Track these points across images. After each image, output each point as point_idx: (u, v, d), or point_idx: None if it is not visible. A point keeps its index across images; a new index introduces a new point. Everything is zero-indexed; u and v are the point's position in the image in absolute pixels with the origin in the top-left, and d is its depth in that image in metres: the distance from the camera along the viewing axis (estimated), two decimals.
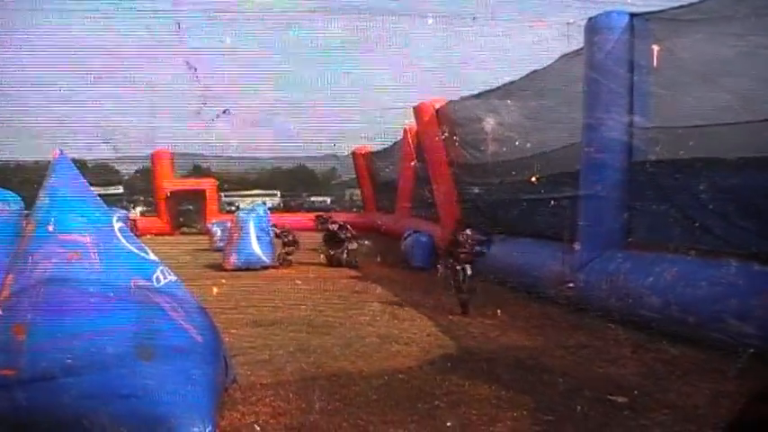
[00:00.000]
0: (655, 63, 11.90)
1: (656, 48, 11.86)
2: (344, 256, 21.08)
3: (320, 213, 24.91)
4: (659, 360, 8.95)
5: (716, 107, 10.53)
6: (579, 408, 7.06)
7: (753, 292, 8.82)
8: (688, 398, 7.32)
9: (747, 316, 8.66)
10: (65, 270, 5.71)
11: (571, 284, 12.33)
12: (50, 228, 5.90)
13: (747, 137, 9.94)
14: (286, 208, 40.37)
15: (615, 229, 12.40)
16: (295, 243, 20.98)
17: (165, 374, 5.45)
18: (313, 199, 48.48)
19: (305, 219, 27.13)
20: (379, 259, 20.56)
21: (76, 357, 5.26)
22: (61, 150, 6.60)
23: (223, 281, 16.31)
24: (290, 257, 20.68)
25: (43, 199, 6.17)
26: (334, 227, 21.70)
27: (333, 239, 21.51)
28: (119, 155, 33.07)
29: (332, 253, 21.33)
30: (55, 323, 5.40)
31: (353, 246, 21.46)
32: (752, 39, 9.91)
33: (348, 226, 22.08)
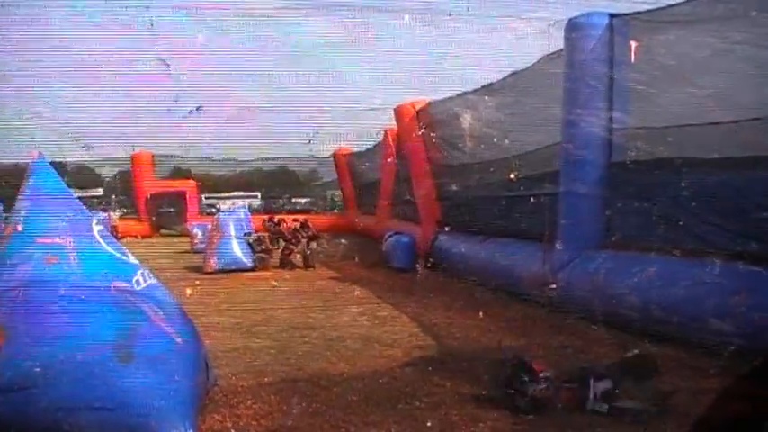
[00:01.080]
0: (634, 63, 11.97)
1: (635, 48, 11.93)
2: (305, 255, 20.99)
3: (271, 215, 24.74)
4: None
5: (695, 107, 10.62)
6: (562, 407, 7.09)
7: (733, 292, 8.88)
8: (668, 396, 7.36)
9: (727, 314, 8.72)
10: (44, 273, 5.69)
11: (554, 286, 12.34)
12: (29, 231, 5.87)
13: (727, 137, 10.01)
14: (267, 210, 40.21)
15: (596, 228, 12.44)
16: (268, 252, 20.76)
17: (145, 377, 5.44)
18: (294, 200, 48.30)
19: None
20: (356, 260, 20.54)
21: (57, 360, 5.23)
22: (40, 153, 6.57)
23: (197, 281, 16.22)
24: (264, 260, 20.45)
25: (22, 202, 6.14)
26: (296, 225, 21.54)
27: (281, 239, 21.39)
28: (98, 157, 32.82)
29: (287, 253, 21.13)
30: (34, 327, 5.37)
31: (314, 246, 21.34)
32: (730, 40, 10.00)
33: (309, 224, 21.94)
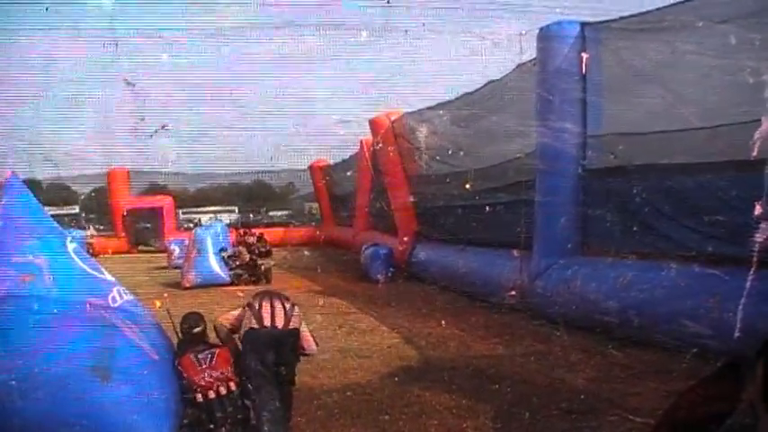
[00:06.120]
0: (605, 71, 12.08)
1: (606, 56, 12.04)
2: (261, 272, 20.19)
3: (244, 230, 24.27)
4: (617, 364, 9.06)
5: (666, 113, 10.73)
6: (540, 414, 7.13)
7: (708, 294, 8.96)
8: (646, 400, 7.43)
9: (702, 317, 8.80)
10: (19, 292, 5.64)
11: (513, 293, 12.43)
12: (3, 250, 5.83)
13: (699, 142, 10.12)
14: (245, 223, 40.10)
15: (572, 236, 12.52)
16: (244, 266, 20.37)
17: (121, 395, 5.42)
18: (272, 213, 48.10)
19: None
20: (318, 270, 20.47)
21: (31, 379, 5.20)
22: (13, 171, 6.53)
23: (165, 295, 16.06)
24: (241, 276, 20.16)
25: None
26: (252, 239, 21.14)
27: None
28: (73, 174, 32.59)
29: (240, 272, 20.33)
30: (9, 345, 5.34)
31: (269, 262, 20.68)
32: (700, 47, 10.11)
33: (265, 238, 21.50)
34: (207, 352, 5.94)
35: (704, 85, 10.23)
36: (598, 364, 9.08)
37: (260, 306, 6.40)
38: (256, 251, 20.56)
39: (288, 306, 6.48)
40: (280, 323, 6.33)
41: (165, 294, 15.38)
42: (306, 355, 6.59)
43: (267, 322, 6.29)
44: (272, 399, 6.18)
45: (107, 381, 5.42)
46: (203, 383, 5.77)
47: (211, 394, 5.77)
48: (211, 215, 42.11)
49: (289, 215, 47.28)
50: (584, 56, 11.92)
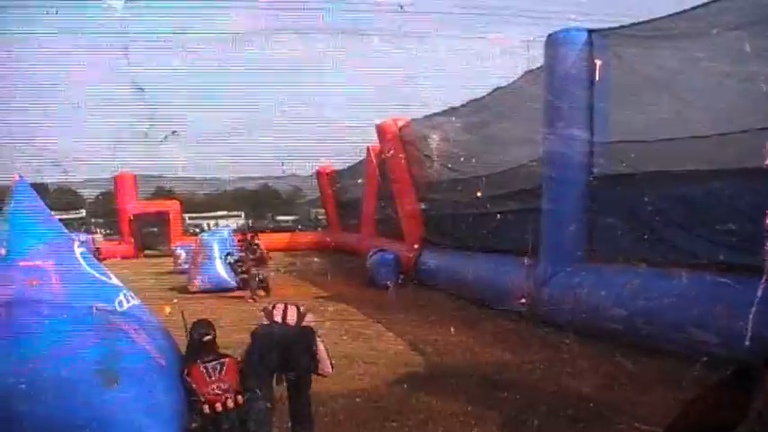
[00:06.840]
0: (613, 77, 12.05)
1: (614, 62, 12.02)
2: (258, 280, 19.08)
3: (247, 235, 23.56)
4: (625, 372, 9.00)
5: (676, 121, 10.70)
6: (547, 421, 7.09)
7: (716, 302, 8.92)
8: (654, 408, 7.38)
9: (711, 325, 8.76)
10: (26, 295, 5.63)
11: (523, 300, 12.40)
12: (10, 254, 5.82)
13: (709, 150, 10.08)
14: (252, 229, 40.07)
15: (579, 243, 12.48)
16: (248, 272, 19.92)
17: (128, 399, 5.40)
18: (279, 218, 48.10)
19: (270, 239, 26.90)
20: (329, 277, 20.42)
21: (39, 383, 5.19)
22: (20, 175, 6.52)
23: (175, 300, 16.03)
24: (247, 282, 19.73)
25: (2, 225, 6.08)
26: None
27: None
28: (80, 178, 32.73)
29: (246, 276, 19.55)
30: (15, 349, 5.32)
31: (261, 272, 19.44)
32: (710, 54, 10.08)
33: (255, 244, 20.21)
34: (216, 362, 5.90)
35: (714, 93, 10.20)
36: (606, 372, 9.03)
37: (273, 307, 6.67)
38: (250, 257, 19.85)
39: (301, 308, 6.68)
40: (291, 321, 6.50)
41: (175, 300, 15.38)
42: (320, 374, 6.63)
43: (278, 319, 6.48)
44: (264, 400, 6.21)
45: (114, 384, 5.40)
46: (211, 396, 5.73)
47: (218, 406, 5.73)
48: (217, 220, 42.15)
49: (295, 220, 47.27)
50: (598, 63, 11.89)
